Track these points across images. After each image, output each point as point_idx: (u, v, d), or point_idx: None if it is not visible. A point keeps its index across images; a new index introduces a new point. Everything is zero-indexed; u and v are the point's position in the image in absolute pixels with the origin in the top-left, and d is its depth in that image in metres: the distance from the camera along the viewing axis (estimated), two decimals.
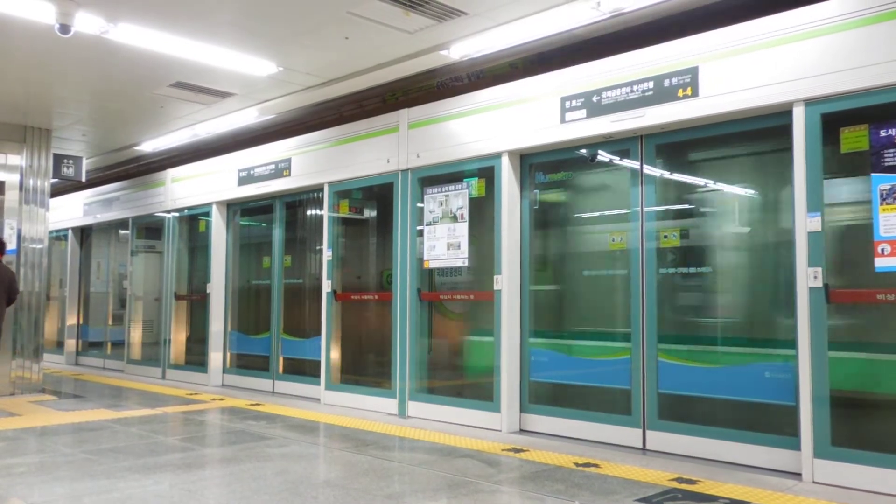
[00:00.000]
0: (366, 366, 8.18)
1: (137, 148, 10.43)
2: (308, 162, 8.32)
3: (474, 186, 6.70)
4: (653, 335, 5.49)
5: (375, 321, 7.97)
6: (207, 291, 9.73)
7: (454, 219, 6.77)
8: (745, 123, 5.12)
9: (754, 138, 5.31)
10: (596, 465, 4.95)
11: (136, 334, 11.27)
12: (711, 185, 5.70)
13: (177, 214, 10.49)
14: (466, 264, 6.68)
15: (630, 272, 5.68)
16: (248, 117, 8.58)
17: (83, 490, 4.34)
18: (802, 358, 4.58)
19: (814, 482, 4.46)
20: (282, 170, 8.64)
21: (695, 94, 5.18)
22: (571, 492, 4.30)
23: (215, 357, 9.65)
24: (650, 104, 5.42)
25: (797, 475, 4.61)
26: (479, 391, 6.59)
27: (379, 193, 8.18)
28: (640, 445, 5.50)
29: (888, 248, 4.32)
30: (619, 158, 5.91)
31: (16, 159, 9.14)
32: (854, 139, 4.58)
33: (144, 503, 4.07)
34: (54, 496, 4.22)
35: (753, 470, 4.82)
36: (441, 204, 6.90)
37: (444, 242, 6.83)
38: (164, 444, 5.72)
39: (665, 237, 5.61)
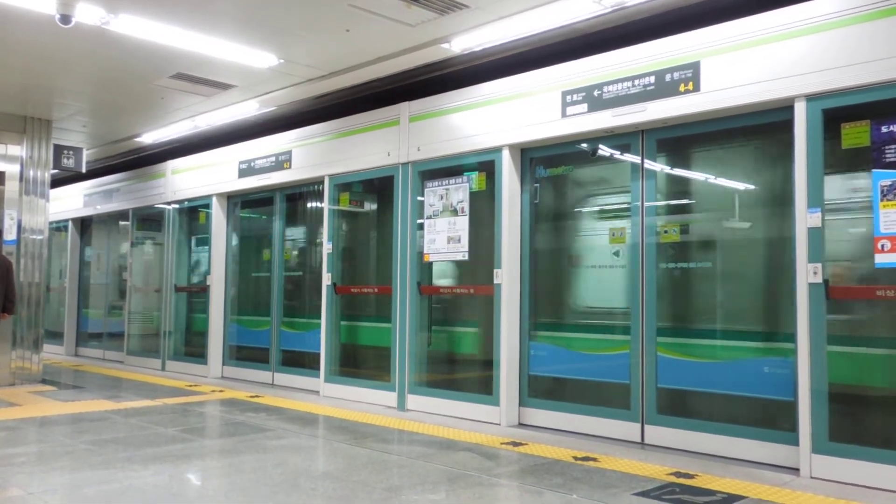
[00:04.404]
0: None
1: (138, 139, 10.42)
2: (309, 154, 8.32)
3: (475, 180, 6.70)
4: (652, 330, 5.50)
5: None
6: (207, 283, 9.74)
7: (454, 212, 6.77)
8: (747, 119, 5.12)
9: (755, 133, 5.30)
10: (594, 459, 4.96)
11: (135, 325, 11.28)
12: (712, 180, 5.70)
13: (177, 206, 10.48)
14: (466, 258, 6.68)
15: (630, 267, 5.69)
16: (248, 109, 8.57)
17: (82, 480, 4.35)
18: (801, 353, 4.59)
19: (811, 477, 4.48)
20: (282, 162, 8.64)
21: (696, 88, 5.17)
22: (570, 485, 4.31)
23: (215, 349, 9.66)
24: (651, 99, 5.41)
25: (795, 470, 4.63)
26: (479, 385, 6.60)
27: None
28: (639, 440, 5.51)
29: (888, 245, 4.32)
30: (619, 153, 5.90)
31: (16, 150, 9.14)
32: (855, 135, 4.57)
33: (144, 494, 4.08)
34: (54, 486, 4.24)
35: (751, 465, 4.83)
36: (441, 197, 6.90)
37: (444, 236, 6.83)
38: (164, 435, 5.73)
39: (665, 232, 5.62)
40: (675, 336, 5.54)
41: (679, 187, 5.82)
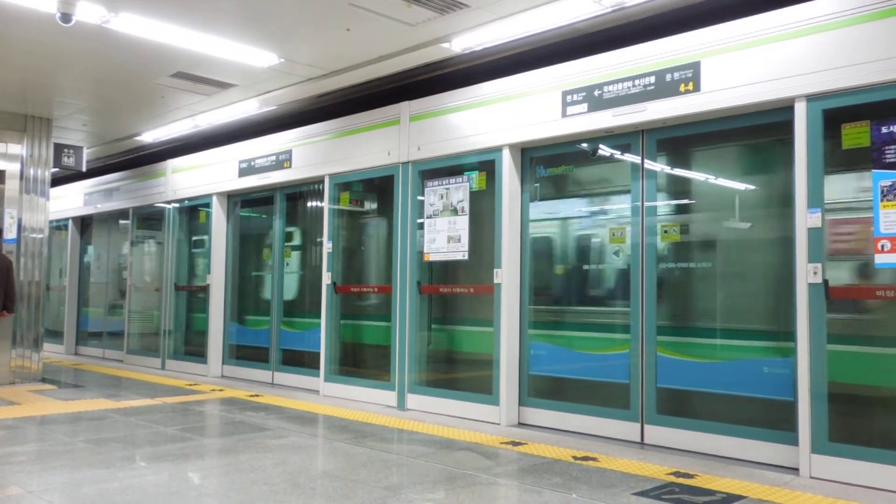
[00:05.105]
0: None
1: (138, 138, 10.42)
2: (309, 153, 8.32)
3: (475, 180, 6.70)
4: (652, 330, 5.50)
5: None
6: (207, 283, 9.74)
7: (455, 212, 6.77)
8: (747, 119, 5.12)
9: (756, 133, 5.30)
10: (594, 459, 4.96)
11: (135, 324, 11.29)
12: (712, 180, 5.70)
13: (177, 205, 10.48)
14: (466, 257, 6.68)
15: (630, 267, 5.69)
16: (248, 108, 8.57)
17: (82, 479, 4.36)
18: (801, 354, 4.59)
19: (811, 477, 4.48)
20: (283, 161, 8.64)
21: (696, 88, 5.17)
22: (569, 485, 4.31)
23: (215, 348, 9.66)
24: (652, 99, 5.41)
25: (795, 470, 4.63)
26: (479, 384, 6.60)
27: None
28: (639, 439, 5.51)
29: (888, 245, 4.32)
30: (620, 153, 5.90)
31: (16, 148, 9.14)
32: (855, 135, 4.57)
33: (143, 492, 4.08)
34: (53, 485, 4.24)
35: (751, 465, 4.83)
36: (442, 197, 6.90)
37: (444, 235, 6.83)
38: (164, 434, 5.73)
39: (665, 232, 5.62)
40: (675, 336, 5.54)
41: (679, 187, 5.81)
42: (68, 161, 10.09)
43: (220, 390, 8.28)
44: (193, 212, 10.48)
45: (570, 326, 6.34)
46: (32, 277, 9.08)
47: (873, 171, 4.41)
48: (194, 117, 9.13)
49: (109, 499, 3.95)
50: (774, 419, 4.94)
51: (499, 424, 6.20)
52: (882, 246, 4.35)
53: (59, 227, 13.45)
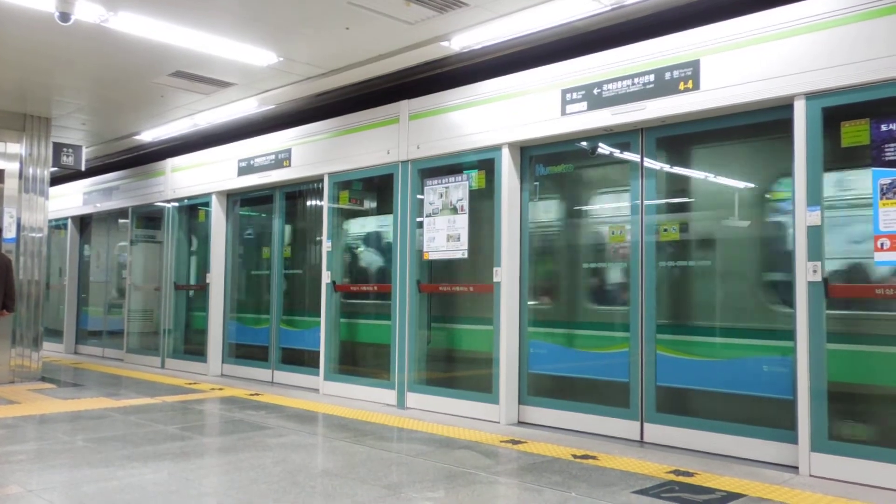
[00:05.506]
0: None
1: (137, 137, 10.41)
2: (308, 152, 8.31)
3: (474, 178, 6.70)
4: (652, 328, 5.50)
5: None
6: (207, 282, 9.74)
7: (454, 210, 6.77)
8: (746, 117, 5.12)
9: (755, 132, 5.30)
10: (594, 458, 4.96)
11: (134, 323, 11.28)
12: (711, 178, 5.70)
13: (176, 204, 10.48)
14: (465, 256, 6.68)
15: (630, 265, 5.69)
16: (248, 107, 8.56)
17: (81, 478, 4.36)
18: (801, 352, 4.59)
19: (810, 475, 4.48)
20: (282, 160, 8.63)
21: (696, 87, 5.17)
22: (569, 483, 4.31)
23: (214, 347, 9.66)
24: (651, 97, 5.40)
25: (794, 468, 4.63)
26: (478, 383, 6.61)
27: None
28: (638, 438, 5.51)
29: (888, 243, 4.32)
30: (619, 151, 5.90)
31: (15, 148, 9.13)
32: (855, 133, 4.57)
33: (143, 491, 4.08)
34: (53, 483, 4.24)
35: (751, 463, 4.84)
36: (441, 196, 6.89)
37: (443, 234, 6.83)
38: (163, 433, 5.73)
39: (665, 230, 5.61)
40: (674, 335, 5.54)
41: (678, 185, 5.81)
42: (67, 160, 10.09)
43: (220, 389, 8.28)
44: (193, 211, 10.47)
45: (570, 325, 6.34)
46: (32, 276, 9.08)
47: (872, 169, 4.41)
48: (193, 116, 9.12)
49: (109, 497, 3.95)
50: (774, 417, 4.94)
51: (498, 423, 6.20)
52: (882, 244, 4.35)
53: (58, 226, 13.44)
